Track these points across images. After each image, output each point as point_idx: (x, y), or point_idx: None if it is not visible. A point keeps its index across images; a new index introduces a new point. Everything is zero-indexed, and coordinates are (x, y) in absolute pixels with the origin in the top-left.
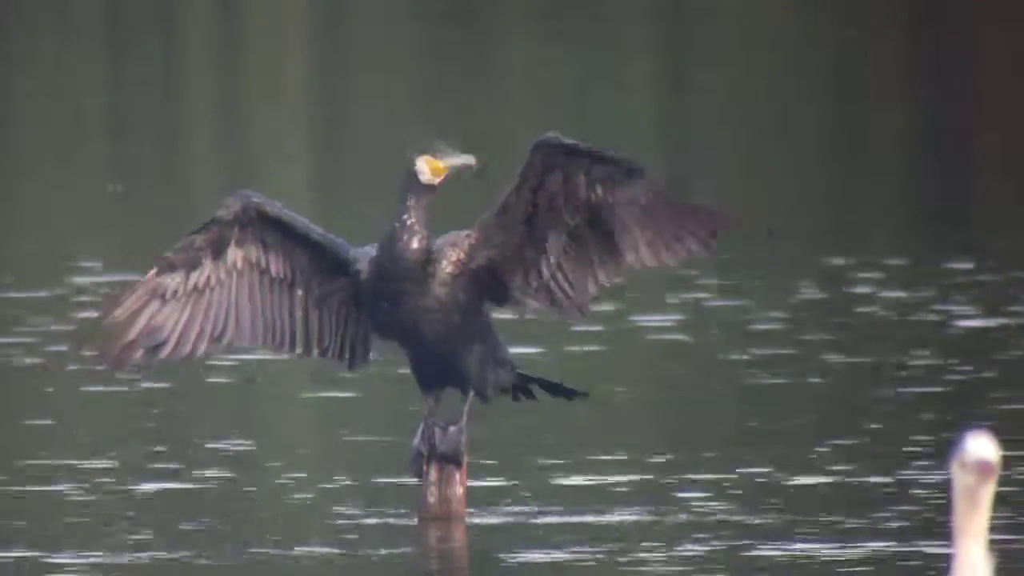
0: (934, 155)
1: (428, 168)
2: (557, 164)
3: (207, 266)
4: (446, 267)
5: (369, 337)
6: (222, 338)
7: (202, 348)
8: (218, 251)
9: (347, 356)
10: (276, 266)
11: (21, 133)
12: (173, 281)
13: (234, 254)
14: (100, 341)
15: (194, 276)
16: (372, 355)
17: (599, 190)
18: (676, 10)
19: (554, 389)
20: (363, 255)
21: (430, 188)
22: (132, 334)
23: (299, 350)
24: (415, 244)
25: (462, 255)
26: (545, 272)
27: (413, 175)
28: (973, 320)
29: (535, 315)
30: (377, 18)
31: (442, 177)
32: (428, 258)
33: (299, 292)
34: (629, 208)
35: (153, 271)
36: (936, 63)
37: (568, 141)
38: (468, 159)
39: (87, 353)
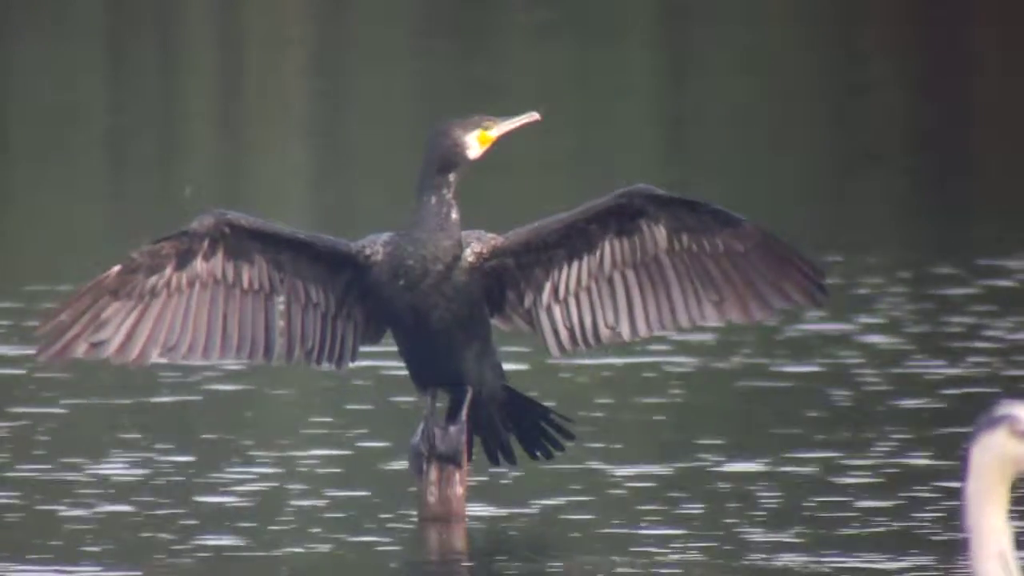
0: (935, 156)
1: (479, 144)
2: (645, 212)
3: (168, 273)
4: (468, 256)
5: (356, 337)
6: (176, 349)
7: (152, 355)
8: (183, 261)
9: (334, 357)
10: (251, 278)
11: (20, 133)
12: (131, 281)
13: (199, 267)
14: (48, 332)
15: (152, 280)
16: (357, 356)
17: (685, 239)
18: (677, 8)
19: (541, 417)
20: (370, 242)
21: (471, 162)
22: (77, 328)
23: (279, 356)
24: (454, 216)
25: (484, 250)
26: (544, 299)
27: (459, 153)
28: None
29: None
30: (377, 17)
31: (487, 148)
32: (460, 240)
33: (279, 299)
34: (721, 259)
35: (116, 269)
36: (936, 64)
37: (661, 192)
38: (530, 116)
39: (35, 344)
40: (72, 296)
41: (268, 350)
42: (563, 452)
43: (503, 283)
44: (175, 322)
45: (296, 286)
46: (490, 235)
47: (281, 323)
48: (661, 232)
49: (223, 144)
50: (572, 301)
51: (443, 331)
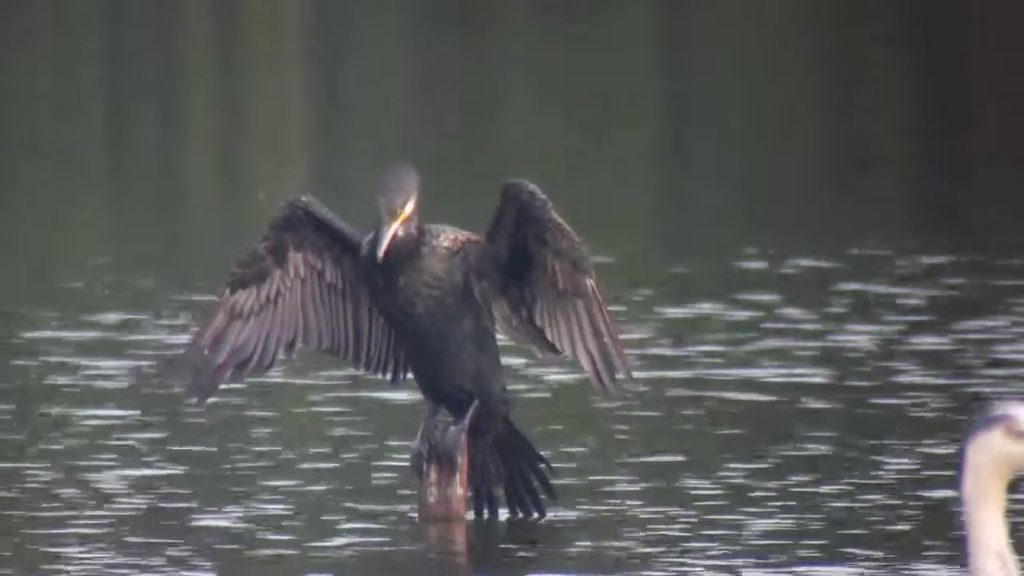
0: (936, 157)
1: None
2: (520, 201)
3: (275, 275)
4: (443, 241)
5: (389, 344)
6: (294, 343)
7: (279, 356)
8: (281, 258)
9: (390, 369)
10: (329, 271)
11: (21, 134)
12: (247, 298)
13: (294, 258)
14: (186, 375)
15: (265, 289)
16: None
17: (536, 247)
18: (677, 7)
19: (530, 465)
20: (366, 239)
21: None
22: (220, 358)
23: (351, 358)
24: (401, 233)
25: (460, 237)
26: (525, 313)
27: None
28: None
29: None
30: (376, 15)
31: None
32: (420, 238)
33: (349, 300)
34: (545, 283)
35: (227, 291)
36: (935, 66)
37: (528, 192)
38: (380, 254)
39: (175, 389)
40: (197, 333)
41: (346, 348)
42: (541, 516)
43: (484, 283)
44: (289, 318)
45: (359, 289)
46: (466, 232)
47: (350, 324)
48: (529, 230)
49: (223, 143)
50: (529, 307)
51: (431, 322)
